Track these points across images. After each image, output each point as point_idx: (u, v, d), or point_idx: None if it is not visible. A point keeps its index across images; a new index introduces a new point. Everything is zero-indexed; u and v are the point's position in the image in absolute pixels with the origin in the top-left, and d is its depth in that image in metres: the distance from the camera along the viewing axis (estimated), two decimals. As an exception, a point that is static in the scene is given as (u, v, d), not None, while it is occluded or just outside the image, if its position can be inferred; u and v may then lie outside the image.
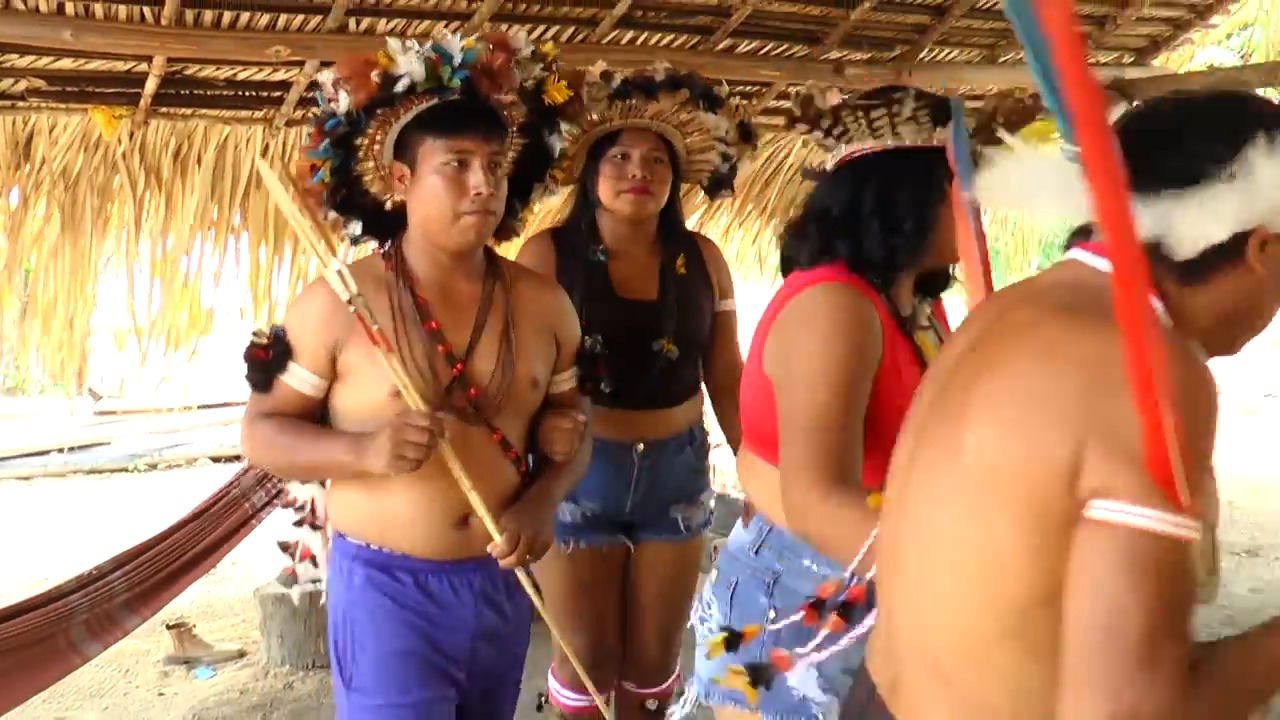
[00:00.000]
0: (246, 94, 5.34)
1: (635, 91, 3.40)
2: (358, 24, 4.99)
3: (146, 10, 4.56)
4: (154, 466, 9.74)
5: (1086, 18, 6.93)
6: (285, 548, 3.09)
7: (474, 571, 2.73)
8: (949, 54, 6.88)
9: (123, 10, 4.52)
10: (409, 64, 2.52)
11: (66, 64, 4.84)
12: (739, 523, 2.48)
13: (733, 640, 2.10)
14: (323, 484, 2.87)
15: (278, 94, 5.37)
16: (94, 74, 4.97)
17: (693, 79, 3.56)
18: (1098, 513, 1.36)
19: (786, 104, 6.64)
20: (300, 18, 4.84)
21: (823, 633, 1.95)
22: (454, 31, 5.05)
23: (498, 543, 2.60)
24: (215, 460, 9.73)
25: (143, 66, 4.87)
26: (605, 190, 3.42)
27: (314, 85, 2.58)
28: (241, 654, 5.12)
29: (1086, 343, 1.44)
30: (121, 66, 4.92)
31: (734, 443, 3.39)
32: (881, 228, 2.26)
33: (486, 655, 2.81)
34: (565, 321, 2.92)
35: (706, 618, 2.43)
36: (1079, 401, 1.41)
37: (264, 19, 4.79)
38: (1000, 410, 1.48)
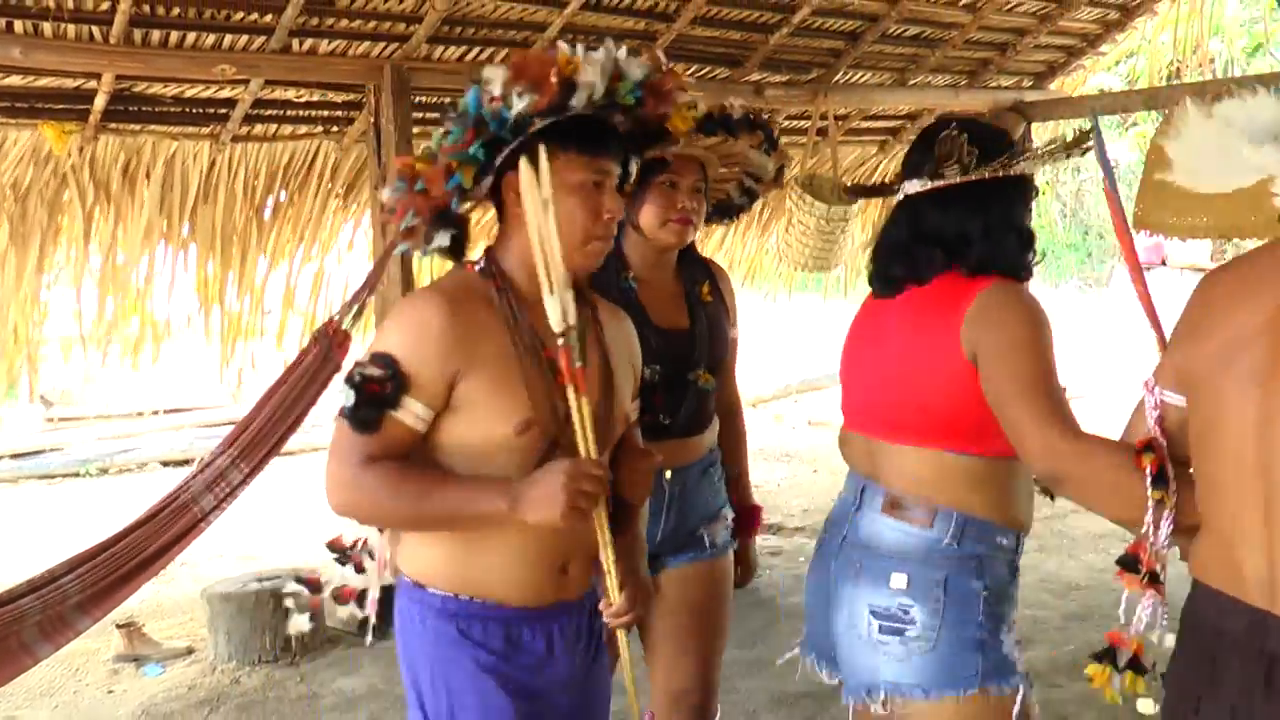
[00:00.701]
0: (193, 111, 5.25)
1: (720, 128, 3.02)
2: (300, 44, 4.90)
3: (95, 29, 4.47)
4: (105, 471, 9.51)
5: (989, 45, 7.02)
6: (314, 587, 2.76)
7: (564, 617, 2.35)
8: (862, 77, 6.92)
9: (71, 29, 4.42)
10: (591, 75, 2.18)
11: (16, 80, 4.73)
12: (903, 526, 2.35)
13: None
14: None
15: (224, 111, 5.27)
16: (44, 90, 4.86)
17: (765, 122, 3.22)
18: None
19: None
20: (245, 38, 4.77)
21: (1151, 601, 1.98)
22: (391, 53, 5.02)
23: (617, 600, 2.29)
24: (165, 464, 9.53)
25: (92, 83, 4.78)
26: (650, 218, 3.01)
27: (477, 80, 2.16)
28: (190, 651, 5.01)
29: None
30: (71, 83, 4.82)
31: (727, 459, 3.28)
32: (1018, 241, 2.42)
33: (573, 706, 2.41)
34: (638, 351, 2.59)
35: (905, 624, 2.31)
36: None
37: (210, 39, 4.71)
38: None
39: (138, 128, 5.15)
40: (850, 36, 6.46)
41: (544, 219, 2.15)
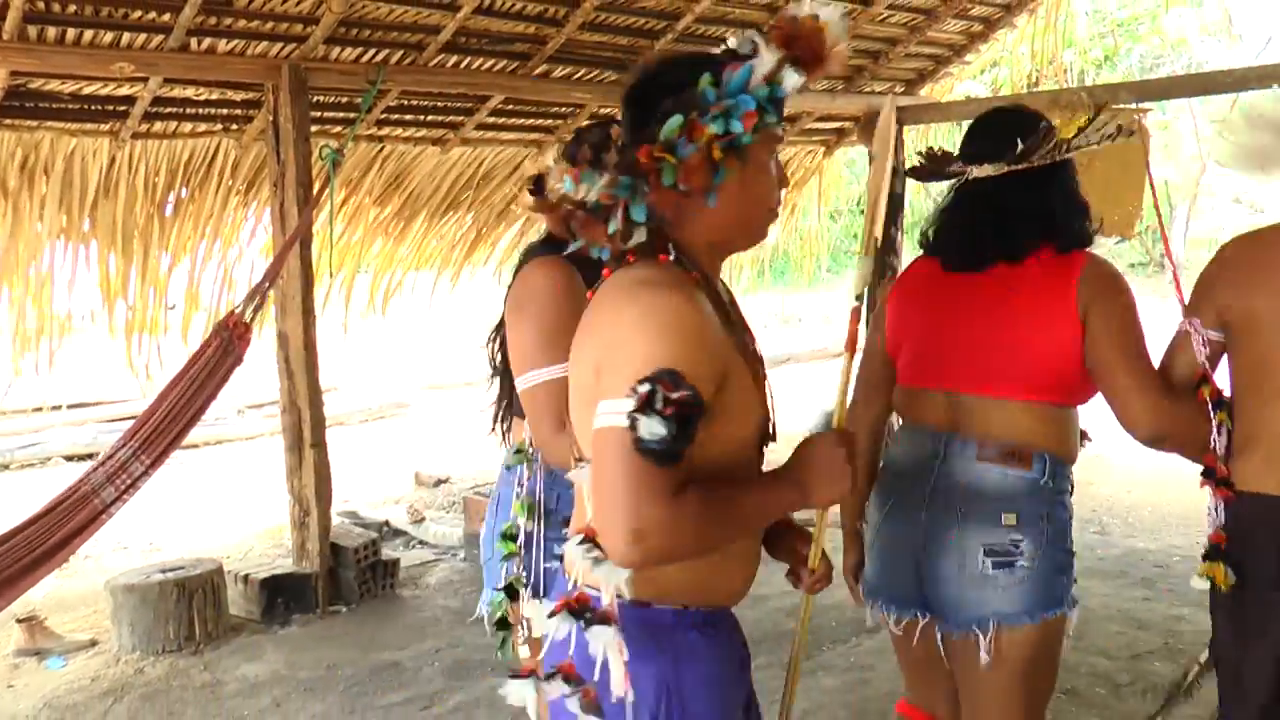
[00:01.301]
0: (92, 108, 5.04)
1: None
2: (199, 44, 4.74)
3: (-11, 26, 4.26)
4: (6, 467, 9.15)
5: (863, 52, 7.07)
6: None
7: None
8: (743, 82, 6.91)
9: (-37, 26, 4.21)
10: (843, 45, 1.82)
11: (-93, 77, 4.49)
12: (1007, 470, 2.46)
13: None
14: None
15: (123, 108, 5.08)
16: (-64, 87, 4.62)
17: None
18: None
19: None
20: (143, 36, 4.59)
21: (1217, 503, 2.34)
22: (289, 54, 4.88)
23: (820, 566, 2.12)
24: (69, 459, 9.19)
25: (-14, 80, 4.55)
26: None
27: (736, 57, 1.72)
28: (93, 643, 4.81)
29: None
30: (-36, 80, 4.59)
31: None
32: (1084, 215, 2.55)
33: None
34: None
35: (1015, 556, 2.44)
36: None
37: (108, 36, 4.53)
38: None
39: (35, 124, 4.93)
40: (730, 44, 6.45)
41: (883, 186, 2.10)
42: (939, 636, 2.52)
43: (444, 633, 4.79)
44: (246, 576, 4.99)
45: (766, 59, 1.75)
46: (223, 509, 6.92)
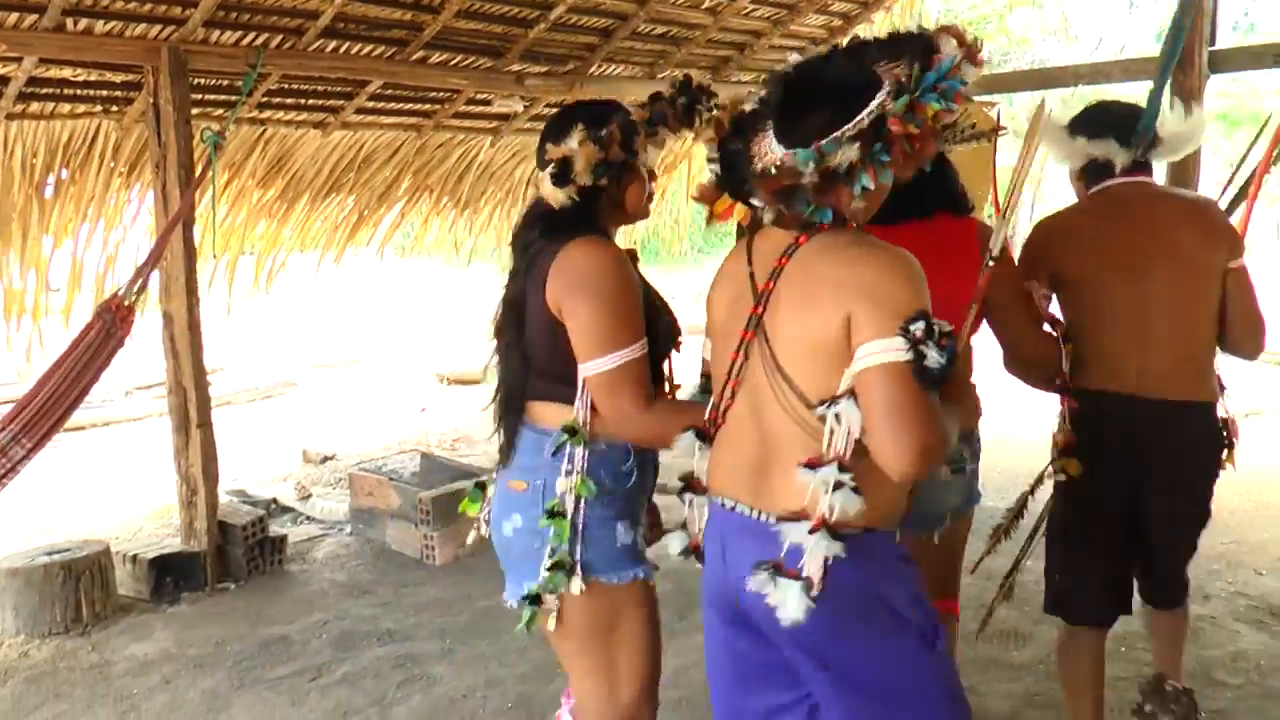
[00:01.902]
0: (-37, 88, 4.75)
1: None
2: (75, 24, 4.49)
3: None
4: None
5: (728, 44, 7.08)
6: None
7: None
8: (615, 70, 6.88)
9: None
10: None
11: None
12: None
13: None
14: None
15: (-5, 88, 4.79)
16: None
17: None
18: None
19: (476, 109, 6.54)
20: (16, 15, 4.33)
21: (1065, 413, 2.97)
22: (168, 35, 4.68)
23: None
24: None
25: None
26: (639, 197, 2.55)
27: (928, 49, 1.96)
28: (-23, 625, 4.58)
29: None
30: None
31: None
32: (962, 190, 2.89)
33: None
34: None
35: (962, 462, 2.86)
36: None
37: (-21, 16, 4.26)
38: None
39: (-97, 104, 4.64)
40: (603, 33, 6.41)
41: (1027, 165, 2.51)
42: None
43: (331, 605, 4.66)
44: (135, 556, 4.79)
45: (956, 54, 1.95)
46: (111, 490, 6.65)
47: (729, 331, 2.11)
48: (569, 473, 2.34)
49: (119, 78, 5.05)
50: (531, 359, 2.38)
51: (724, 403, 2.11)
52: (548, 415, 2.38)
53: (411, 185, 7.01)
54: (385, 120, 6.42)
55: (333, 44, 5.41)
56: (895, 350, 1.80)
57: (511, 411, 2.43)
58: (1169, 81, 3.24)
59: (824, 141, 1.87)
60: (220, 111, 5.46)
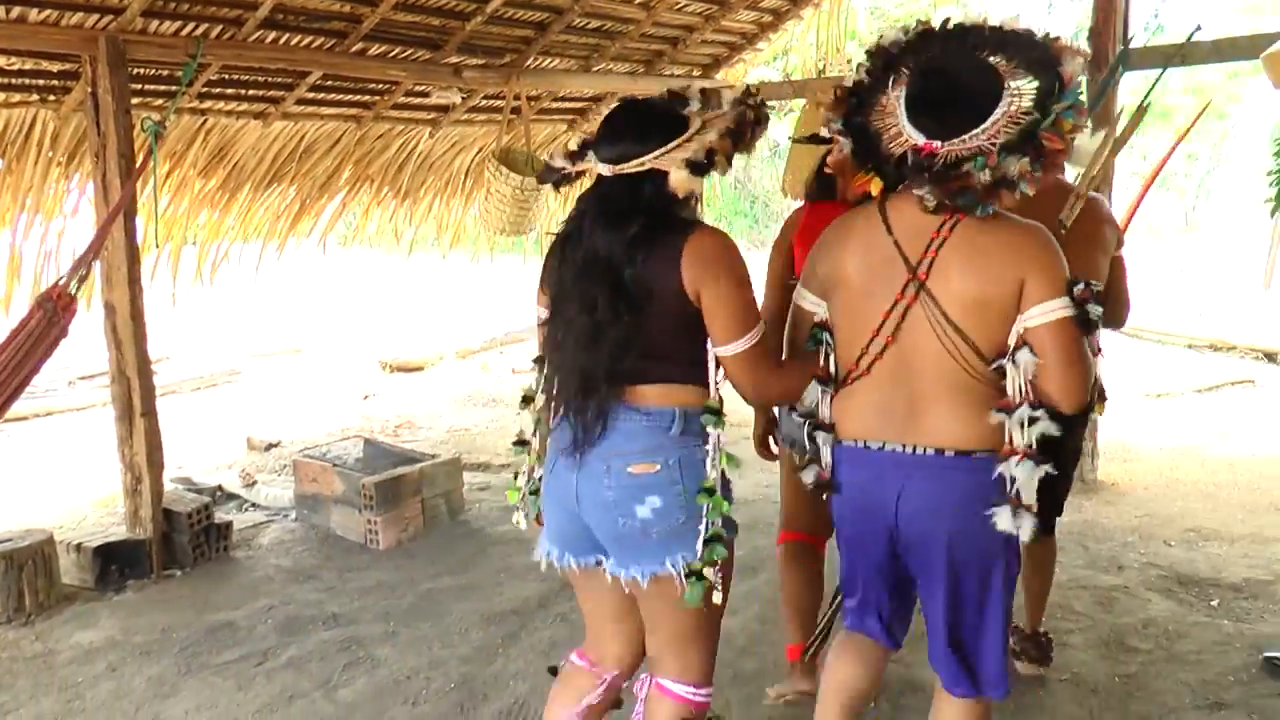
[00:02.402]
0: None
1: None
2: (8, 12, 4.35)
3: None
4: None
5: (661, 38, 7.04)
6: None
7: None
8: (551, 63, 6.82)
9: None
10: None
11: None
12: None
13: None
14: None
15: None
16: None
17: None
18: None
19: (415, 100, 6.45)
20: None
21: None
22: (106, 25, 4.54)
23: None
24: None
25: None
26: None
27: (1055, 64, 2.32)
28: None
29: None
30: None
31: None
32: None
33: None
34: None
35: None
36: None
37: None
38: None
39: None
40: (539, 26, 6.34)
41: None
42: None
43: (277, 591, 4.58)
44: (79, 545, 4.66)
45: (1083, 72, 2.30)
46: (55, 480, 6.47)
47: (869, 291, 2.39)
48: (705, 450, 2.39)
49: (55, 67, 4.90)
50: (644, 342, 2.34)
51: (870, 356, 2.40)
52: (655, 396, 2.38)
53: (352, 175, 6.90)
54: (325, 111, 6.30)
55: (272, 35, 5.29)
56: (1064, 308, 2.25)
57: (600, 394, 2.36)
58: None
59: (997, 152, 2.21)
60: (160, 101, 5.31)
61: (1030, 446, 2.25)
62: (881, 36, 2.51)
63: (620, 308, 2.31)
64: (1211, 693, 3.51)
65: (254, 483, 6.19)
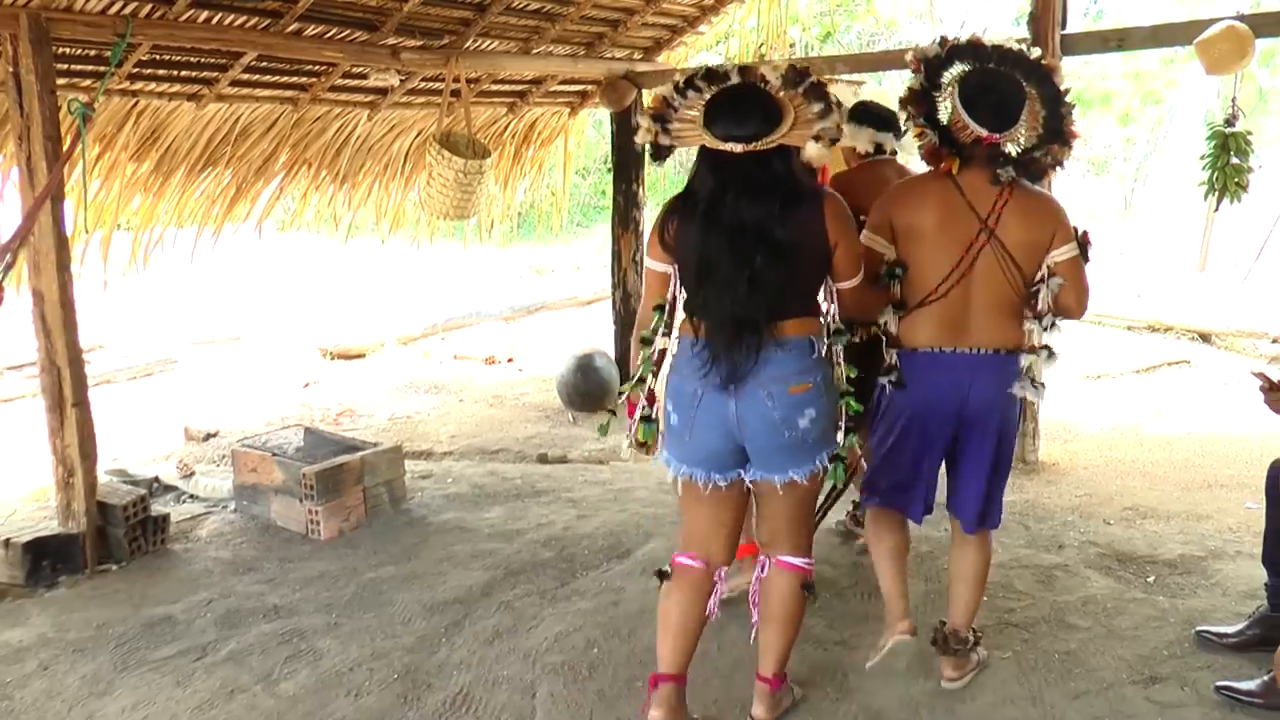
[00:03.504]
0: None
1: None
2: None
3: None
4: None
5: (602, 21, 7.00)
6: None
7: None
8: (490, 44, 6.75)
9: None
10: None
11: None
12: None
13: None
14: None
15: None
16: None
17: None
18: None
19: (353, 82, 6.36)
20: None
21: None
22: (28, 2, 4.42)
23: None
24: None
25: None
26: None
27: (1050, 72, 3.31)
28: None
29: None
30: None
31: None
32: None
33: None
34: None
35: None
36: None
37: None
38: None
39: None
40: (478, 8, 6.28)
41: None
42: None
43: (216, 583, 4.52)
44: (8, 540, 4.55)
45: (1063, 79, 3.33)
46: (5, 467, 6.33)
47: (948, 237, 3.18)
48: (836, 363, 3.06)
49: (-25, 47, 4.76)
50: (794, 285, 2.93)
51: (949, 284, 3.19)
52: (793, 329, 2.93)
53: (289, 159, 6.79)
54: (261, 93, 6.20)
55: (205, 14, 5.17)
56: (1075, 249, 3.22)
57: (758, 334, 2.87)
58: None
59: (1040, 141, 3.18)
60: (89, 82, 5.19)
61: (1045, 345, 3.23)
62: (925, 50, 3.27)
63: (776, 263, 2.83)
64: (1147, 667, 3.58)
65: (192, 474, 6.09)
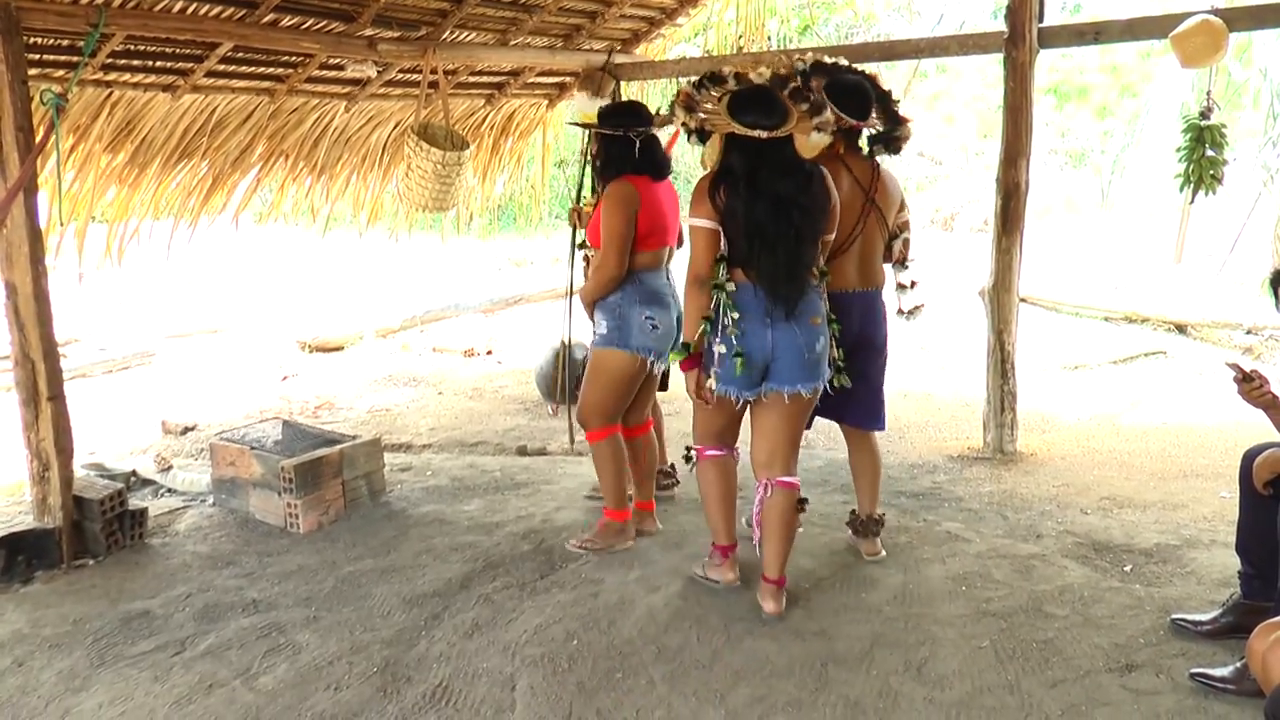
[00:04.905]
0: None
1: None
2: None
3: None
4: None
5: (580, 12, 6.98)
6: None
7: None
8: (467, 36, 6.73)
9: None
10: None
11: None
12: None
13: None
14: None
15: None
16: None
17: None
18: None
19: (330, 73, 6.33)
20: None
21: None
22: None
23: None
24: None
25: None
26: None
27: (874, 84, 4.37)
28: None
29: None
30: None
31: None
32: None
33: None
34: None
35: None
36: None
37: None
38: None
39: None
40: (455, -1, 6.26)
41: None
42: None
43: (194, 578, 4.49)
44: (-19, 535, 4.53)
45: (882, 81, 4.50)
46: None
47: (847, 207, 4.06)
48: (823, 298, 3.93)
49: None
50: (814, 240, 3.81)
51: (852, 240, 4.16)
52: (812, 274, 3.86)
53: (266, 150, 6.75)
54: (237, 84, 6.16)
55: (180, 4, 5.13)
56: (906, 211, 4.41)
57: (801, 277, 3.75)
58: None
59: (891, 125, 4.26)
60: (62, 73, 5.14)
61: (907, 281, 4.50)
62: (795, 67, 4.13)
63: (811, 223, 3.75)
64: (1124, 655, 3.61)
65: (169, 467, 6.06)
